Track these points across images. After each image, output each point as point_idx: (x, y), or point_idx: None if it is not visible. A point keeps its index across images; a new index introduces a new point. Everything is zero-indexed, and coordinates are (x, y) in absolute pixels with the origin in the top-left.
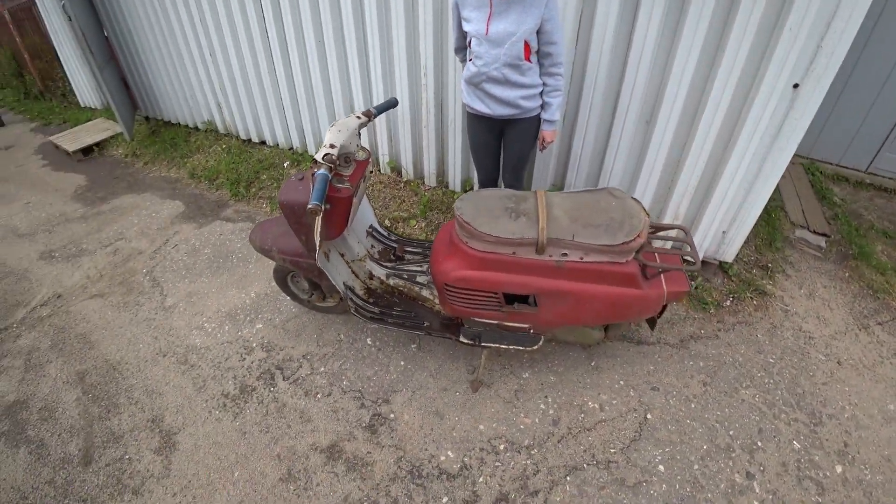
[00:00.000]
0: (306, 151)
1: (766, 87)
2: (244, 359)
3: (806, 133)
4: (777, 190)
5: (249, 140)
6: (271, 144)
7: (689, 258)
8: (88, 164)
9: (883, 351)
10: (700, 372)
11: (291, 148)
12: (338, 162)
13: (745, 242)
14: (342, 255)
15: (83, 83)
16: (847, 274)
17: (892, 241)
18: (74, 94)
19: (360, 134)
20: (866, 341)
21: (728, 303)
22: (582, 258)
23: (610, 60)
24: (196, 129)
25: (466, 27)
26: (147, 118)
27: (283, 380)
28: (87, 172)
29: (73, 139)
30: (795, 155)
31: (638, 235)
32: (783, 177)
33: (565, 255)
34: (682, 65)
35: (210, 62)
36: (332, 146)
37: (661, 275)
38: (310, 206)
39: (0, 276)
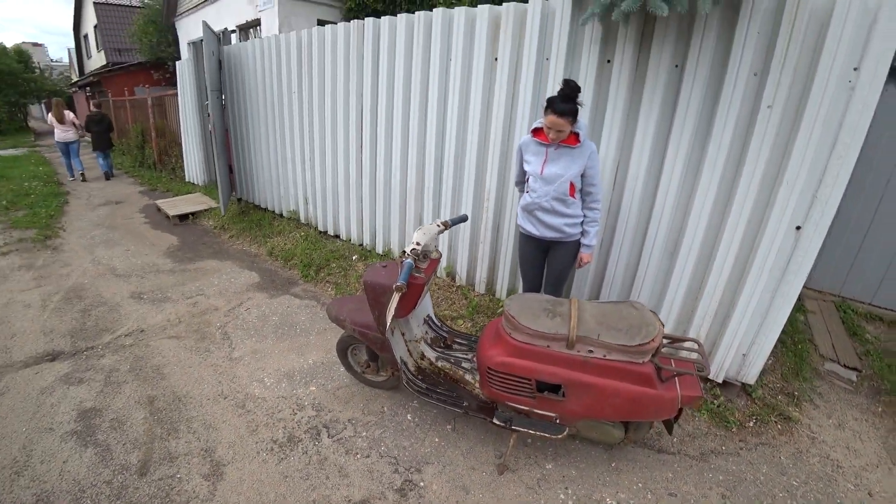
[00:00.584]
0: (373, 249)
1: (771, 229)
2: (295, 413)
3: (834, 271)
4: (806, 324)
5: (325, 232)
6: (344, 239)
7: (701, 367)
8: (183, 229)
9: None
10: (719, 485)
11: (361, 244)
12: (420, 256)
13: (771, 371)
14: (403, 334)
15: (193, 163)
16: (880, 409)
17: None
18: (182, 170)
19: (437, 239)
20: None
21: (751, 424)
22: (605, 356)
23: (640, 201)
24: (281, 215)
25: (526, 167)
26: (240, 200)
27: (328, 437)
28: (181, 235)
29: (173, 206)
30: (826, 292)
31: (652, 340)
32: (813, 312)
33: (591, 351)
34: (699, 208)
35: (308, 164)
36: (417, 244)
37: (676, 379)
38: (398, 283)
39: (95, 304)
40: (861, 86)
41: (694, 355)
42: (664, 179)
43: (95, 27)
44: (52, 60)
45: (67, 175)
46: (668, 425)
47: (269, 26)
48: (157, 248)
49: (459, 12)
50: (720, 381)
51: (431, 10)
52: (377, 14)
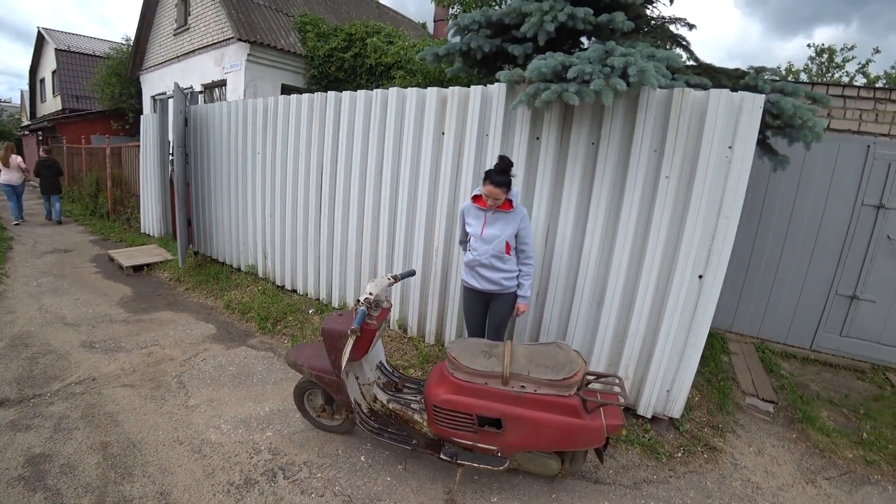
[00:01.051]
0: (330, 303)
1: (678, 278)
2: (252, 457)
3: (752, 316)
4: (730, 364)
5: (283, 286)
6: (301, 293)
7: (622, 398)
8: (136, 280)
9: (830, 502)
10: None
11: (318, 299)
12: (372, 305)
13: (698, 406)
14: (357, 378)
15: (150, 214)
16: (794, 435)
17: (837, 408)
18: (138, 221)
19: (389, 290)
20: (813, 493)
21: (679, 454)
22: (535, 390)
23: (568, 256)
24: (239, 269)
25: (468, 229)
26: (196, 253)
27: (284, 478)
28: (134, 286)
29: (128, 256)
30: (746, 335)
31: (575, 374)
32: (736, 353)
33: (523, 386)
34: (617, 262)
35: (269, 220)
36: (370, 294)
37: (601, 410)
38: (352, 327)
39: (43, 352)
40: (735, 160)
41: (616, 389)
42: (587, 238)
43: (54, 72)
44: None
45: (11, 219)
46: (600, 454)
47: (235, 87)
48: (110, 298)
49: (411, 92)
50: (649, 416)
51: (388, 83)
52: (339, 81)
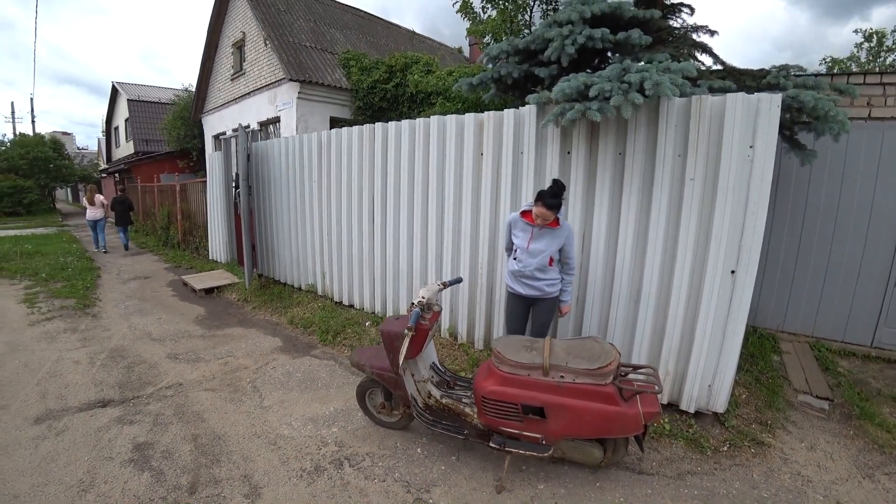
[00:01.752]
0: (384, 315)
1: (710, 275)
2: (320, 449)
3: (804, 315)
4: (781, 363)
5: (341, 302)
6: (358, 308)
7: (653, 389)
8: (208, 301)
9: (889, 497)
10: (694, 498)
11: (373, 312)
12: (425, 307)
13: (746, 403)
14: (412, 375)
15: (217, 242)
16: (851, 432)
17: None
18: (206, 249)
19: (439, 296)
20: (870, 488)
21: (725, 448)
22: (574, 380)
23: (604, 261)
24: (299, 289)
25: (514, 241)
26: (260, 276)
27: (350, 466)
28: (207, 307)
29: (199, 280)
30: (800, 334)
31: (610, 363)
32: (788, 353)
33: (563, 377)
34: (651, 262)
35: (325, 243)
36: (423, 297)
37: (637, 398)
38: (408, 325)
39: (137, 362)
40: (757, 158)
41: (651, 379)
42: (620, 242)
43: (126, 120)
44: (78, 148)
45: (93, 247)
46: (640, 442)
47: (288, 123)
48: (187, 317)
49: (450, 119)
50: (692, 411)
51: (429, 109)
52: (382, 110)
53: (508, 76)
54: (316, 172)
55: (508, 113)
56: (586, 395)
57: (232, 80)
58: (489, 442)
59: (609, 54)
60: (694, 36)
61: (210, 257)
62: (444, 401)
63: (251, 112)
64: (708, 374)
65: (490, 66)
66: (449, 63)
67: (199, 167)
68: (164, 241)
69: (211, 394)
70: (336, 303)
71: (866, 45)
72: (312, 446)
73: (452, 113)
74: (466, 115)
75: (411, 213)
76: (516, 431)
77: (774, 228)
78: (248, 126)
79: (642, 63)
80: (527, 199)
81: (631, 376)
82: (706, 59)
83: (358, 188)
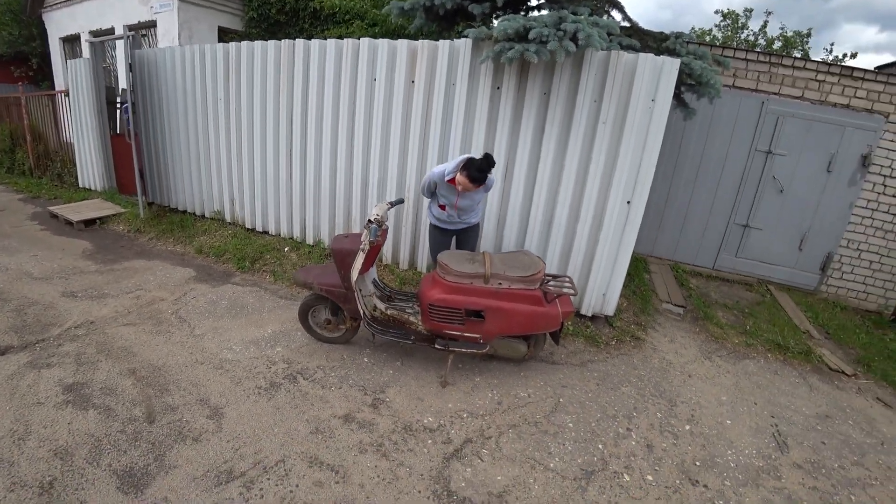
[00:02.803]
0: (304, 241)
1: (611, 203)
2: (270, 367)
3: (668, 243)
4: (650, 280)
5: (253, 229)
6: (273, 233)
7: (571, 293)
8: (91, 234)
9: (720, 370)
10: (594, 379)
11: (291, 237)
12: (379, 224)
13: (626, 310)
14: (359, 290)
15: (90, 168)
16: (698, 329)
17: (729, 310)
18: (73, 176)
19: (387, 214)
20: (709, 365)
21: (613, 343)
22: (510, 286)
23: (524, 188)
24: (203, 216)
25: (441, 199)
26: (151, 203)
27: (304, 379)
28: (92, 240)
29: (74, 212)
30: (664, 258)
31: (539, 271)
32: (655, 272)
33: (501, 283)
34: (564, 191)
35: (235, 167)
36: (377, 215)
37: (557, 300)
38: (370, 240)
39: (25, 304)
40: (656, 109)
41: (567, 285)
42: (539, 173)
43: None
44: None
45: None
46: (556, 338)
47: (167, 30)
48: (70, 252)
49: (383, 43)
50: (590, 315)
51: (334, 28)
52: (279, 24)
53: (441, 6)
54: (222, 89)
55: (444, 44)
56: (519, 299)
57: None
58: (433, 344)
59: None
60: None
61: (81, 185)
62: (389, 312)
63: (115, 12)
64: (603, 286)
65: None
66: None
67: (41, 77)
68: (9, 168)
69: (133, 328)
70: (248, 230)
71: (723, 23)
72: (261, 366)
73: (367, 37)
74: (399, 41)
75: (335, 138)
76: (458, 333)
77: (655, 171)
78: (132, 32)
79: (574, 15)
80: (457, 130)
81: (552, 283)
82: (616, 15)
83: (274, 109)
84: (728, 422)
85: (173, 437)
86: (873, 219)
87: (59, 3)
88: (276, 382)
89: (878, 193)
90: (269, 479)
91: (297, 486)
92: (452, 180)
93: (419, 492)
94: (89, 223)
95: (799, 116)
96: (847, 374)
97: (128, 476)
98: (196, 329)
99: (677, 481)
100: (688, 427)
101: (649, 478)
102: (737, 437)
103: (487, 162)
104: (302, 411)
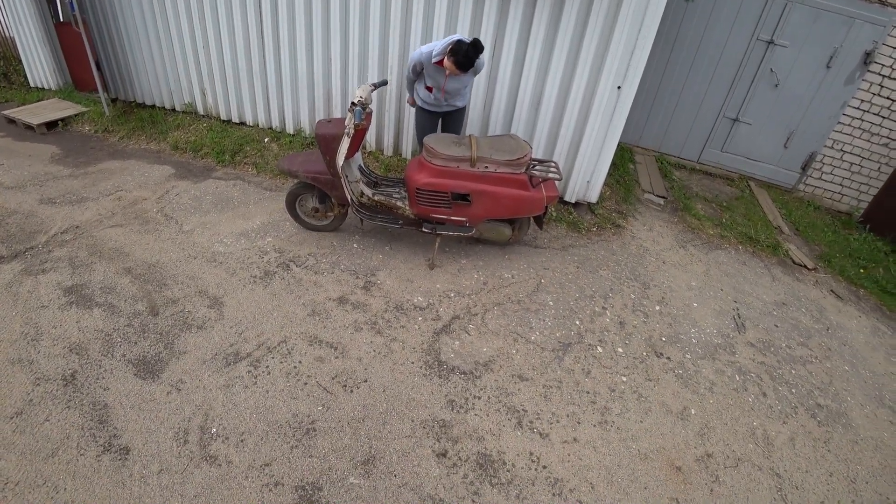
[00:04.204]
0: (284, 130)
1: (602, 88)
2: (262, 257)
3: (655, 134)
4: (635, 171)
5: (229, 121)
6: (251, 124)
7: (556, 177)
8: (55, 137)
9: (692, 259)
10: (574, 262)
11: (270, 127)
12: (363, 107)
13: (609, 199)
14: (346, 177)
15: (38, 63)
16: (676, 219)
17: (708, 203)
18: (20, 74)
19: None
20: (683, 253)
21: (594, 229)
22: (496, 170)
23: (512, 69)
24: (173, 110)
25: (429, 82)
26: (115, 99)
27: (297, 266)
28: (59, 144)
29: (33, 114)
30: (650, 149)
31: (525, 155)
32: (640, 163)
33: (487, 167)
34: (553, 73)
35: (202, 52)
36: (361, 97)
37: (542, 185)
38: (355, 123)
39: (4, 215)
40: None
41: (553, 170)
42: (528, 53)
43: None
44: None
45: None
46: (539, 222)
47: None
48: (38, 158)
49: None
50: (573, 202)
51: None
52: None
53: None
54: None
55: None
56: (505, 182)
57: None
58: (421, 228)
59: None
60: None
61: (32, 85)
62: (376, 198)
63: None
64: (588, 172)
65: None
66: None
67: None
68: None
69: (120, 229)
70: (224, 122)
71: None
72: (254, 256)
73: None
74: None
75: (309, 13)
76: (445, 217)
77: (649, 56)
78: None
79: None
80: (441, 7)
81: (538, 168)
82: None
83: None
84: (695, 304)
85: (178, 326)
86: (862, 120)
87: None
88: (270, 271)
89: (873, 94)
90: (273, 358)
91: (300, 361)
92: (440, 62)
93: (412, 362)
94: (51, 126)
95: (808, 3)
96: (808, 268)
97: (142, 364)
98: (184, 225)
99: (644, 353)
100: (658, 308)
101: (620, 350)
102: (701, 318)
103: (475, 48)
104: (298, 296)
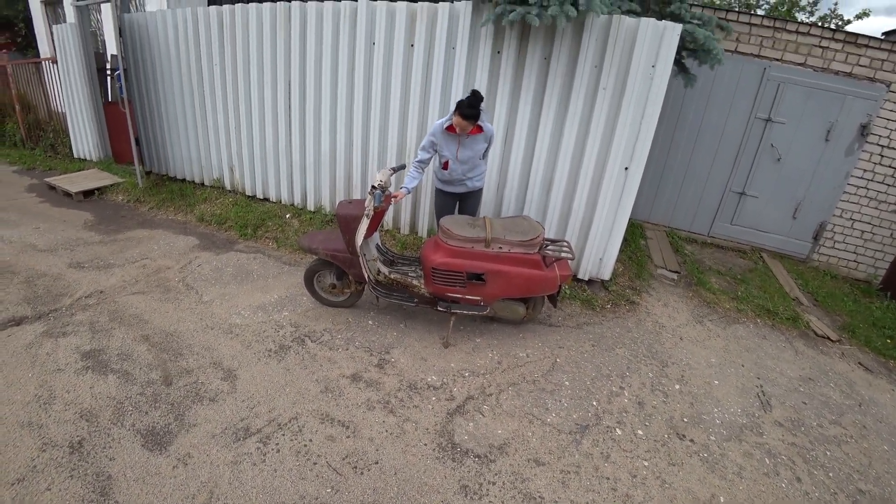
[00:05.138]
0: (305, 207)
1: (610, 169)
2: (278, 331)
3: (664, 209)
4: (646, 246)
5: (254, 196)
6: (274, 200)
7: (569, 256)
8: (91, 205)
9: (710, 333)
10: (590, 340)
11: (292, 204)
12: (382, 190)
13: (622, 275)
14: (364, 255)
15: (84, 137)
16: (691, 294)
17: (722, 276)
18: (67, 146)
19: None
20: (700, 329)
21: (609, 306)
22: (510, 250)
23: (524, 151)
24: (202, 184)
25: (444, 153)
26: (149, 172)
27: (312, 342)
28: (93, 211)
29: (72, 182)
30: (660, 225)
31: (538, 236)
32: (651, 238)
33: (501, 247)
34: (563, 155)
35: (234, 133)
36: (381, 181)
37: (555, 264)
38: (374, 205)
39: (34, 276)
40: (657, 76)
41: (566, 250)
42: (539, 137)
43: None
44: None
45: None
46: (553, 300)
47: None
48: (72, 224)
49: (381, 6)
50: (587, 279)
51: None
52: None
53: None
54: (217, 54)
55: (443, 6)
56: (519, 262)
57: None
58: (436, 307)
59: None
60: None
61: (75, 156)
62: (392, 276)
63: None
64: (600, 250)
65: None
66: None
67: (26, 44)
68: (0, 139)
69: (142, 297)
70: (248, 197)
71: None
72: (269, 330)
73: None
74: (398, 3)
75: (334, 102)
76: (459, 296)
77: (653, 137)
78: None
79: None
80: (457, 95)
81: (550, 247)
82: None
83: (272, 74)
84: (716, 382)
85: (191, 397)
86: (868, 189)
87: None
88: (285, 345)
89: (875, 164)
90: (283, 435)
91: (310, 440)
92: (451, 128)
93: (425, 444)
94: (88, 194)
95: (800, 84)
96: (832, 340)
97: (151, 435)
98: (204, 296)
99: (666, 436)
100: (677, 386)
101: (640, 432)
102: (723, 397)
103: (475, 96)
104: (311, 372)
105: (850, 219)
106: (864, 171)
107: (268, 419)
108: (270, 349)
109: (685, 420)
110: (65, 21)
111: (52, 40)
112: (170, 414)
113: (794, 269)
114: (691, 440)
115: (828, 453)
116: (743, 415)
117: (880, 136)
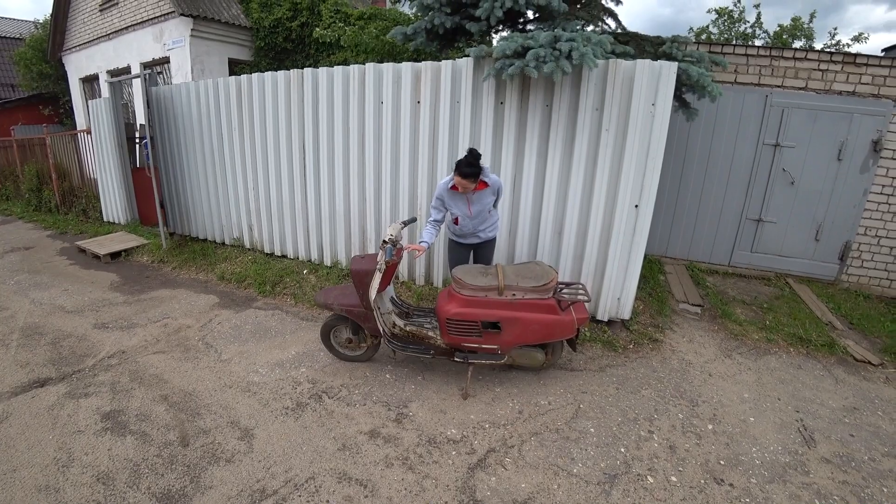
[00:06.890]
0: (322, 262)
1: (620, 208)
2: (295, 388)
3: (682, 243)
4: (666, 281)
5: (272, 254)
6: (292, 257)
7: (585, 299)
8: (117, 266)
9: (741, 367)
10: (613, 383)
11: (309, 260)
12: (393, 244)
13: (643, 313)
14: (378, 308)
15: (113, 202)
16: (716, 327)
17: (748, 306)
18: (97, 211)
19: (401, 234)
20: (729, 363)
21: (631, 346)
22: (524, 296)
23: (533, 198)
24: (223, 244)
25: (455, 211)
26: (172, 234)
27: (329, 398)
28: (119, 272)
29: (100, 245)
30: (679, 258)
31: (551, 280)
32: (671, 273)
33: (514, 294)
34: (572, 198)
35: (252, 194)
36: (391, 236)
37: (571, 308)
38: (385, 260)
39: (60, 337)
40: (657, 113)
41: (581, 292)
42: (547, 182)
43: None
44: None
45: None
46: (573, 344)
47: (180, 65)
48: (99, 285)
49: (387, 67)
50: (606, 320)
51: (340, 52)
52: (287, 52)
53: (441, 26)
54: (236, 120)
55: (447, 64)
56: (534, 308)
57: (101, 10)
58: (453, 357)
59: (529, 14)
60: (602, 1)
61: (105, 219)
62: (408, 329)
63: (131, 51)
64: (617, 290)
65: (415, 9)
66: (356, 2)
67: (65, 115)
68: (36, 206)
69: (162, 356)
70: (267, 254)
71: (719, 20)
72: (287, 387)
73: (371, 62)
74: (403, 64)
75: (346, 160)
76: (476, 345)
77: (663, 172)
78: (126, 67)
79: (569, 33)
80: (464, 145)
81: (565, 291)
82: (611, 23)
83: (287, 136)
84: (751, 419)
85: (207, 459)
86: (889, 204)
87: (79, 45)
88: (303, 402)
89: (893, 178)
90: (300, 496)
91: (327, 501)
92: (454, 186)
93: (446, 502)
94: (115, 256)
95: (804, 107)
96: (873, 364)
97: (166, 498)
98: (223, 354)
99: (702, 481)
100: (710, 426)
101: (673, 479)
102: (761, 434)
103: (472, 154)
104: (329, 429)
105: (876, 236)
106: (883, 186)
107: (284, 479)
108: (288, 407)
109: (722, 462)
110: (100, 95)
111: (88, 113)
112: (186, 476)
113: (824, 292)
114: (730, 484)
115: (884, 490)
116: (785, 453)
117: (894, 150)
